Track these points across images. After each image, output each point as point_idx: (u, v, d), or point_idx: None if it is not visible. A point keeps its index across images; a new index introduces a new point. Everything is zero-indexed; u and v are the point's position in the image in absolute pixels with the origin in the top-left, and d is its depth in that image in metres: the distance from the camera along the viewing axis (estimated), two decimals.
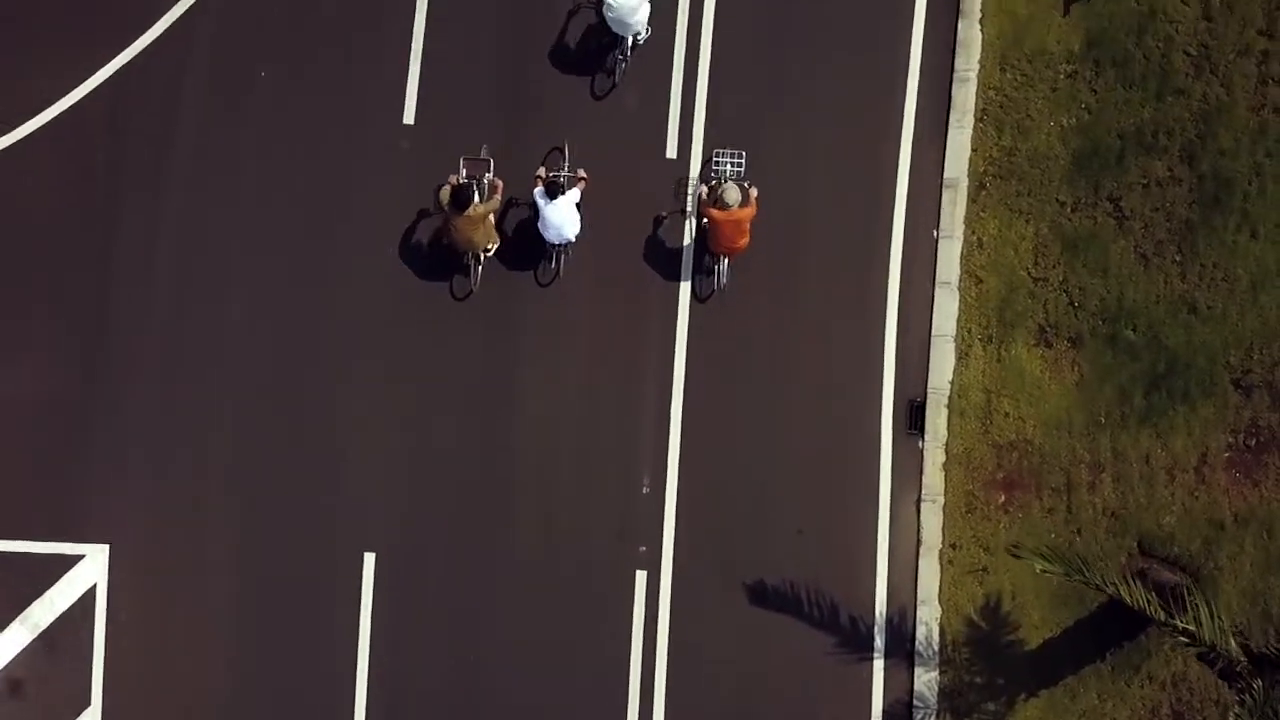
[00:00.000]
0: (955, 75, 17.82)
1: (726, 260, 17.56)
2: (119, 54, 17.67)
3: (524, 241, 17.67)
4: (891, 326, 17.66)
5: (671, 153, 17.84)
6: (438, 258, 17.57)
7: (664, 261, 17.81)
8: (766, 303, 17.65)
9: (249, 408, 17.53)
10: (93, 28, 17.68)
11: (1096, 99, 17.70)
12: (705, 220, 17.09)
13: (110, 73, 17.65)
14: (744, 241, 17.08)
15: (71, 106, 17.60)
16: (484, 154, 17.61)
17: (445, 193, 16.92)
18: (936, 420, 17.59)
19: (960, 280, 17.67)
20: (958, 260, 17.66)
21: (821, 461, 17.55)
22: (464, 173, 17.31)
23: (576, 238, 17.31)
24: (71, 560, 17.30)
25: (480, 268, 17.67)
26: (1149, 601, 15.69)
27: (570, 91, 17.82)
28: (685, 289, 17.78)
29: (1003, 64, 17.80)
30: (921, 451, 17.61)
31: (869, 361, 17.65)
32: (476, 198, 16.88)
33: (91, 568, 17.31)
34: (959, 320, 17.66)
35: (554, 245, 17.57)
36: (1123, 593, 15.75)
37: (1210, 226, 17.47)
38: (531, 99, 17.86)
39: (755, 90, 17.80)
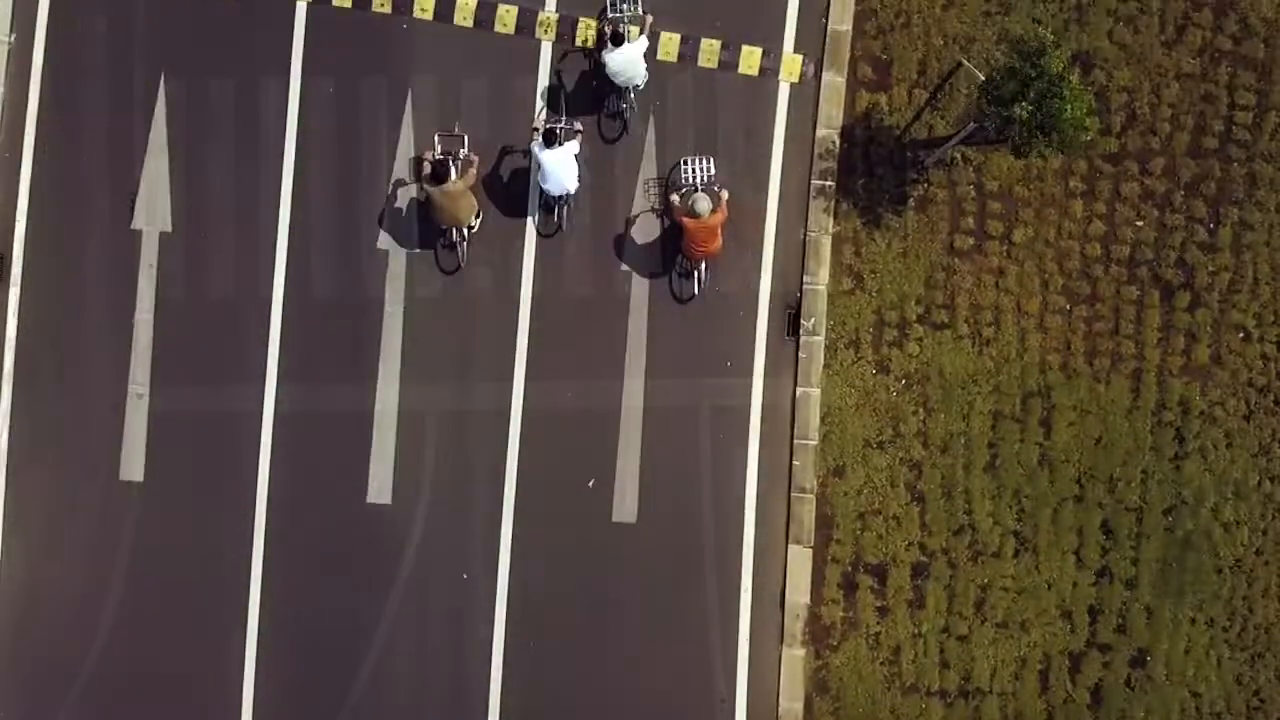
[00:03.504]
0: None
1: (704, 265, 17.64)
2: None
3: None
4: None
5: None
6: None
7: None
8: None
9: None
10: None
11: None
12: (680, 223, 17.11)
13: None
14: (717, 245, 17.20)
15: None
16: (457, 130, 17.62)
17: (425, 168, 17.04)
18: None
19: None
20: None
21: None
22: (439, 149, 17.39)
23: (577, 190, 17.36)
24: None
25: (466, 244, 17.78)
26: None
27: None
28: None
29: None
30: None
31: None
32: (453, 173, 17.00)
33: None
34: None
35: (555, 198, 17.53)
36: None
37: None
38: None
39: None
